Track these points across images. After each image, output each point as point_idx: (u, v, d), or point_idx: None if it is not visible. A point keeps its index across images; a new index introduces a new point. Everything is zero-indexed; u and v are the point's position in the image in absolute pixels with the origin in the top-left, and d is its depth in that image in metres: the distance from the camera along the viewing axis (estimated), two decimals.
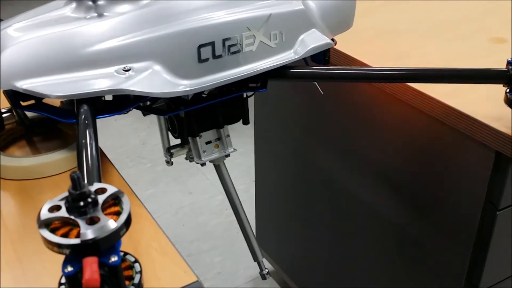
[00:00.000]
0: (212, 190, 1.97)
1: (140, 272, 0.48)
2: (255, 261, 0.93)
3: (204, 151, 0.80)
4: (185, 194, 1.97)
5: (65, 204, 0.42)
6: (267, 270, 0.92)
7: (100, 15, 0.63)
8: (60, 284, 0.45)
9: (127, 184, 0.67)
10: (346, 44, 0.96)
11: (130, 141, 2.27)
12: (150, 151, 2.20)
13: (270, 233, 1.49)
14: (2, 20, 0.67)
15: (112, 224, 0.41)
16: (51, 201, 0.42)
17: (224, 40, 0.66)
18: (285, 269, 1.47)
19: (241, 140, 1.53)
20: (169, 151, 0.82)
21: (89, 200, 0.41)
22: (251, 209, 1.58)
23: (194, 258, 1.70)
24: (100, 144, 0.59)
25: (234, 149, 0.83)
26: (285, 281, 1.53)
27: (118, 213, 0.42)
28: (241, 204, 0.89)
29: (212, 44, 0.65)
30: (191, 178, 2.04)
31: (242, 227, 0.90)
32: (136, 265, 0.49)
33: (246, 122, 0.82)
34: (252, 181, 1.85)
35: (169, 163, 0.85)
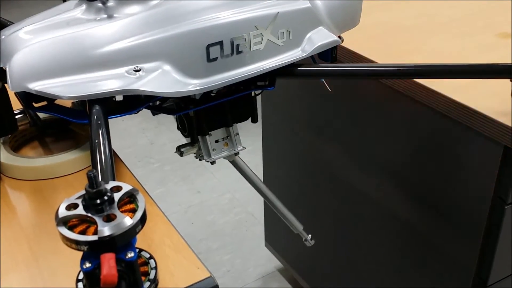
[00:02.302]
0: (220, 189, 1.98)
1: (155, 268, 0.48)
2: (296, 232, 1.00)
3: (213, 150, 0.81)
4: (193, 193, 1.98)
5: (82, 202, 0.43)
6: (310, 236, 0.99)
7: (110, 17, 0.64)
8: (78, 280, 0.46)
9: (139, 182, 0.68)
10: (353, 41, 0.96)
11: (138, 141, 2.28)
12: (158, 151, 2.21)
13: (279, 230, 1.49)
14: (13, 23, 0.68)
15: (128, 221, 0.41)
16: (68, 199, 0.43)
17: (232, 40, 0.66)
18: (295, 267, 1.48)
19: (249, 138, 1.54)
20: (179, 149, 0.83)
21: (106, 198, 0.42)
22: (260, 206, 1.59)
23: (204, 256, 1.71)
24: None
25: (243, 147, 0.84)
26: (294, 279, 1.53)
27: (133, 211, 0.43)
28: (267, 188, 0.92)
29: (220, 43, 0.66)
30: (200, 177, 2.05)
31: (275, 207, 0.96)
32: (151, 261, 0.49)
33: (254, 120, 0.83)
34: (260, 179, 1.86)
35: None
